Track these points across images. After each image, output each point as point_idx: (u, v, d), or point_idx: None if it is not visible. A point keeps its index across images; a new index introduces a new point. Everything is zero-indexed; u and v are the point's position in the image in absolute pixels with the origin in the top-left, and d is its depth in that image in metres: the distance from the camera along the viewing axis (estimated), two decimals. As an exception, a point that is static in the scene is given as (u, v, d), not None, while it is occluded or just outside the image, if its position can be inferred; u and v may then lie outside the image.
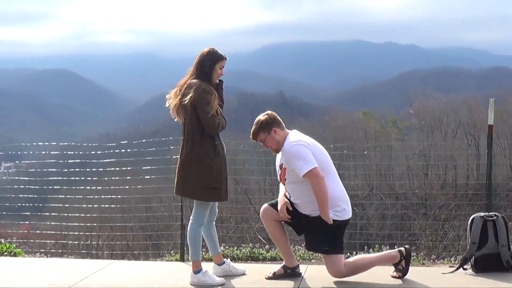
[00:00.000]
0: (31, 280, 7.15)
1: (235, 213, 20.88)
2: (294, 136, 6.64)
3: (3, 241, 10.90)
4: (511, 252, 6.99)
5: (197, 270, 6.64)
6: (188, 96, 6.44)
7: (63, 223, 17.24)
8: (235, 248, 9.75)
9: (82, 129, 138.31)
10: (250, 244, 10.07)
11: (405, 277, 6.78)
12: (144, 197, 24.25)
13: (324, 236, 6.52)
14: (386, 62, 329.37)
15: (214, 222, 6.97)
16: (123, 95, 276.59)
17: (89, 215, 18.19)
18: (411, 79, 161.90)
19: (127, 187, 16.64)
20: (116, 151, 15.69)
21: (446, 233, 24.13)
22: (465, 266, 7.12)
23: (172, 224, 19.13)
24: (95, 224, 19.85)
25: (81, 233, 17.83)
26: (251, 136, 6.75)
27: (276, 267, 7.11)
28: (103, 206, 17.88)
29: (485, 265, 6.97)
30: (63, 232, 16.12)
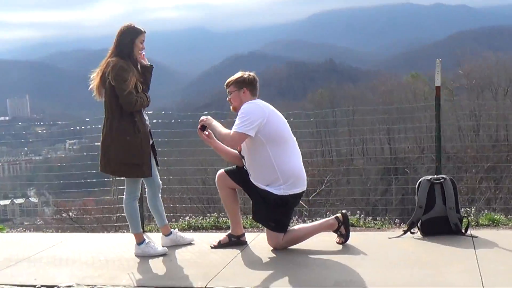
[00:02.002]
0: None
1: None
2: (255, 101, 6.61)
3: None
4: (459, 215, 6.86)
5: (139, 241, 6.73)
6: (106, 75, 6.40)
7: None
8: (201, 217, 9.76)
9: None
10: (215, 214, 9.92)
11: (350, 242, 6.70)
12: (201, 169, 24.20)
13: (272, 211, 6.49)
14: (435, 24, 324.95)
15: (159, 195, 7.00)
16: (176, 70, 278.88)
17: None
18: (462, 40, 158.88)
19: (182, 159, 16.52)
20: (172, 121, 15.71)
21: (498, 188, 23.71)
22: (412, 230, 6.97)
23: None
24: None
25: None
26: (225, 83, 6.73)
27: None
28: (163, 177, 17.84)
29: (433, 228, 6.80)
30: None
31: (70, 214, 20.32)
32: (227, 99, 6.73)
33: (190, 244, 7.10)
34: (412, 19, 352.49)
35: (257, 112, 6.38)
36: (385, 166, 38.87)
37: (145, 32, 6.65)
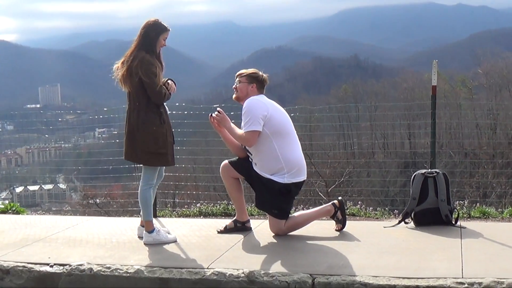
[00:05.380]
0: (9, 234, 7.50)
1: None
2: (258, 97, 6.79)
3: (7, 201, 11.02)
4: (450, 206, 7.04)
5: (150, 230, 6.71)
6: (134, 68, 6.42)
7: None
8: (211, 204, 9.85)
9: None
10: (224, 201, 10.05)
11: (347, 230, 6.94)
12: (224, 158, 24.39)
13: (275, 199, 6.67)
14: (457, 23, 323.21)
15: (156, 186, 7.06)
16: (206, 62, 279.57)
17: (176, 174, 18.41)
18: (482, 40, 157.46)
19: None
20: (202, 112, 15.74)
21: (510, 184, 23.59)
22: (406, 220, 7.18)
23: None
24: (182, 183, 20.00)
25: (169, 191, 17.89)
26: (238, 73, 6.91)
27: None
28: (188, 166, 18.01)
29: (425, 219, 7.03)
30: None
31: (97, 200, 20.47)
32: (234, 86, 6.87)
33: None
34: (435, 18, 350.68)
35: (260, 107, 6.57)
36: (405, 160, 38.79)
37: (169, 30, 6.69)
